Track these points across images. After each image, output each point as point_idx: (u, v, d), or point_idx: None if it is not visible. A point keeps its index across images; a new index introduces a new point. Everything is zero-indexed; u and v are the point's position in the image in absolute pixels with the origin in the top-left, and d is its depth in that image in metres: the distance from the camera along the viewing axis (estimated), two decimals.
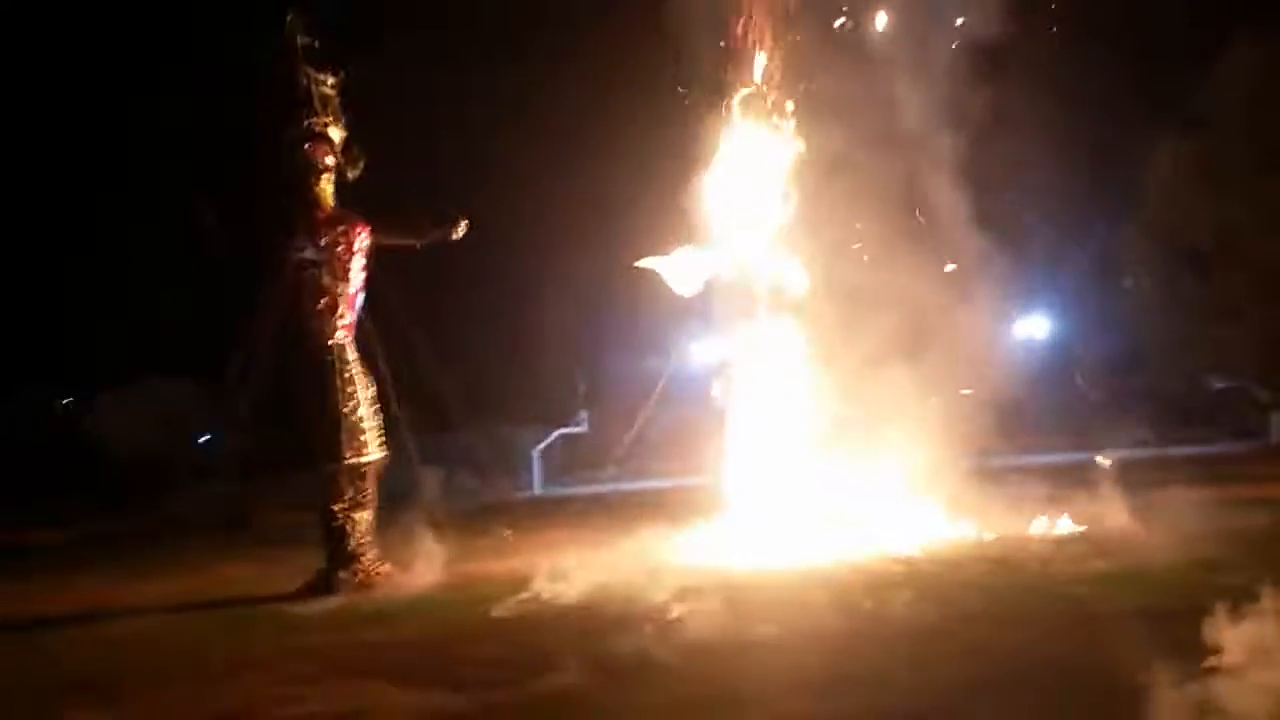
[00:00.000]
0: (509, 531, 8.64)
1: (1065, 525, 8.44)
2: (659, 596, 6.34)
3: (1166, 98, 17.52)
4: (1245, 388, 21.32)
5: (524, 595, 6.90)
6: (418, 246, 8.92)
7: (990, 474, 9.25)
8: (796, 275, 9.77)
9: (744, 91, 9.68)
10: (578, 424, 18.52)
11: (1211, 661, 3.86)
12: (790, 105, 9.69)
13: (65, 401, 20.54)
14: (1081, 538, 7.99)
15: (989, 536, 8.30)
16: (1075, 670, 4.35)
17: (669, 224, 9.92)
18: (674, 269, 9.86)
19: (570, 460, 18.05)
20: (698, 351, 13.41)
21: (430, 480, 9.69)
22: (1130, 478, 8.79)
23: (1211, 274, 18.41)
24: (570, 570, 7.34)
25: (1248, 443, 18.94)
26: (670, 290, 9.94)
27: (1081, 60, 9.58)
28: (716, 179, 9.68)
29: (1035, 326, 18.50)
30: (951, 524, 8.67)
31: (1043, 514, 8.60)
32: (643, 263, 9.92)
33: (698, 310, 10.58)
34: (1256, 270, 17.88)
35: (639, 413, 13.22)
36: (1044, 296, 18.87)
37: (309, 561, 8.41)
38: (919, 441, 8.75)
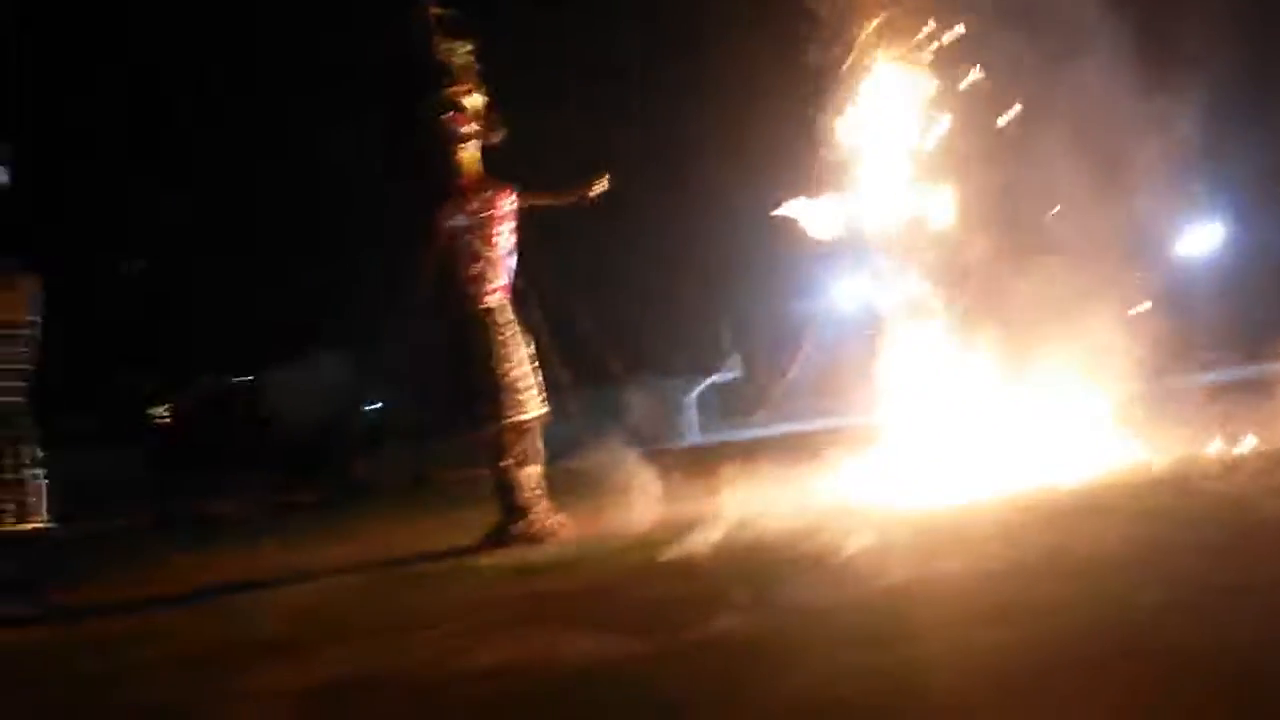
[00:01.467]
0: (676, 479, 8.78)
1: (1245, 442, 8.07)
2: (825, 536, 6.35)
3: None
4: None
5: (690, 540, 7.00)
6: (565, 205, 9.07)
7: (1164, 395, 8.90)
8: (942, 207, 9.53)
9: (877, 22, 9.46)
10: (729, 371, 18.58)
11: None
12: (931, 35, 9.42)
13: (242, 381, 21.65)
14: (1262, 454, 7.63)
15: (1165, 460, 8.00)
16: (1267, 591, 4.18)
17: (808, 165, 9.79)
18: (812, 213, 9.76)
19: (724, 407, 18.15)
20: (846, 293, 13.25)
21: (591, 434, 9.93)
22: None
23: None
24: (733, 514, 7.43)
25: None
26: (809, 233, 9.84)
27: None
28: (854, 115, 9.49)
29: (1202, 238, 17.63)
30: (1124, 450, 8.40)
31: (1220, 433, 8.26)
32: (781, 210, 9.84)
33: (843, 251, 10.44)
34: None
35: (789, 357, 13.18)
36: (1216, 202, 17.91)
37: (482, 518, 8.74)
38: (1085, 366, 8.48)
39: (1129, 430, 8.56)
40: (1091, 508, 6.59)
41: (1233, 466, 7.20)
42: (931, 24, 9.45)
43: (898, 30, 9.52)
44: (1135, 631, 3.89)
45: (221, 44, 19.47)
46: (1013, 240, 9.02)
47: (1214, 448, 8.10)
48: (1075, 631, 4.01)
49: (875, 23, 9.49)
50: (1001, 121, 9.24)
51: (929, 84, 9.57)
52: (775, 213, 10.04)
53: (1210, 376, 12.56)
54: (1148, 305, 8.57)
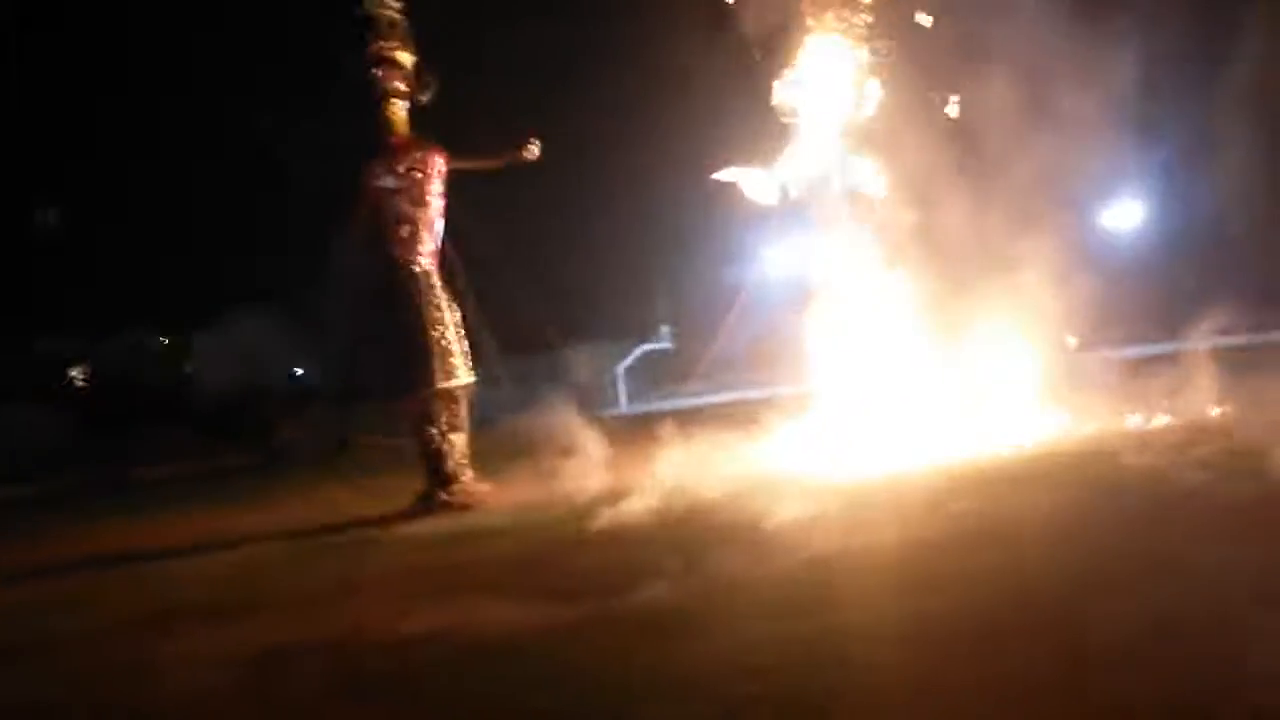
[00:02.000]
0: (603, 448, 8.73)
1: (1162, 417, 8.25)
2: (754, 506, 6.36)
3: None
4: None
5: (618, 510, 6.98)
6: (496, 169, 8.93)
7: (1085, 368, 9.05)
8: (876, 177, 9.57)
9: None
10: (661, 340, 18.59)
11: None
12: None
13: (163, 340, 21.19)
14: (1179, 429, 7.80)
15: (1090, 431, 8.15)
16: (1184, 563, 4.26)
17: (746, 132, 9.77)
18: (752, 178, 9.75)
19: (656, 376, 18.15)
20: (778, 260, 13.26)
21: (520, 402, 9.84)
22: (1228, 368, 8.54)
23: None
24: (662, 483, 7.41)
25: None
26: (749, 200, 9.83)
27: None
28: (793, 83, 9.49)
29: (1129, 213, 17.95)
30: (1051, 420, 8.53)
31: (1140, 407, 8.42)
32: (721, 174, 9.82)
33: (778, 218, 10.45)
34: None
35: (722, 325, 13.18)
36: (1136, 182, 18.25)
37: (407, 485, 8.63)
38: (1009, 338, 8.59)
39: (1055, 400, 8.69)
40: (1018, 477, 6.68)
41: (1154, 439, 7.34)
42: None
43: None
44: (1056, 603, 3.94)
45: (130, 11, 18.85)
46: (944, 211, 9.09)
47: (1136, 420, 8.26)
48: (998, 601, 4.05)
49: None
50: (951, 110, 9.32)
51: (863, 53, 9.60)
52: (715, 176, 10.03)
53: (1133, 350, 12.80)
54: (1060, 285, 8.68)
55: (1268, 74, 17.27)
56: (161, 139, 19.43)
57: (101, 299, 19.73)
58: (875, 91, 9.49)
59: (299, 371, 18.46)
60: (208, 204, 19.18)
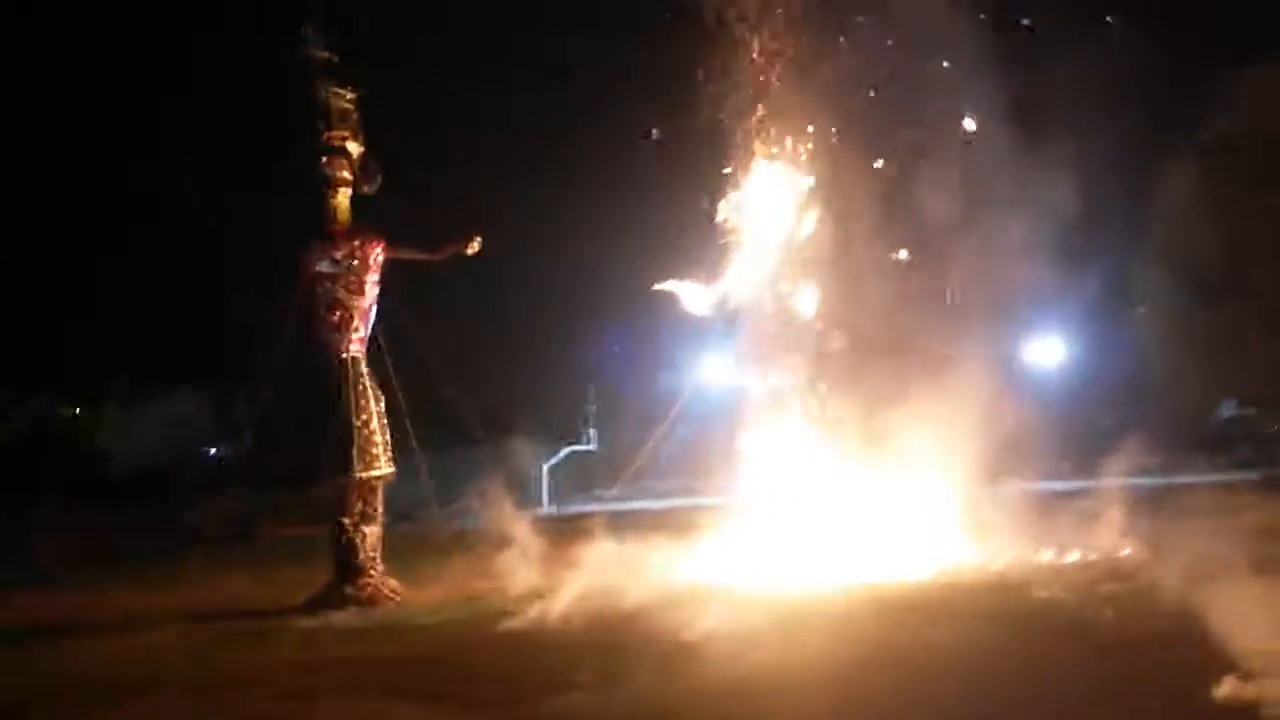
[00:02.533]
0: (520, 549, 8.63)
1: (1073, 553, 8.40)
2: (670, 618, 6.31)
3: (1179, 123, 17.53)
4: (1255, 416, 21.24)
5: (532, 613, 6.88)
6: (433, 261, 8.97)
7: (1002, 500, 9.20)
8: (810, 300, 9.82)
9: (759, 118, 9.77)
10: (587, 441, 18.52)
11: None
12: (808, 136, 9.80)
13: (74, 412, 20.57)
14: (1089, 565, 7.94)
15: (999, 563, 8.25)
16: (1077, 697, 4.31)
17: (686, 246, 9.99)
18: (691, 291, 9.97)
19: (580, 478, 18.03)
20: (711, 372, 13.40)
21: (440, 497, 9.70)
22: (1139, 506, 8.75)
23: (1221, 301, 18.38)
24: (578, 588, 7.32)
25: (1256, 472, 18.84)
26: (686, 311, 10.01)
27: (1092, 84, 9.62)
28: (735, 204, 9.79)
29: (1047, 351, 18.44)
30: (962, 550, 8.62)
31: (1052, 541, 8.57)
32: (661, 285, 10.02)
33: (712, 331, 10.62)
34: (1265, 299, 17.85)
35: (650, 432, 13.22)
36: (1055, 322, 18.83)
37: (316, 575, 8.41)
38: (931, 467, 8.73)
39: (972, 530, 8.80)
40: (931, 605, 6.71)
41: (1063, 574, 7.45)
42: (810, 128, 9.85)
43: (778, 128, 9.87)
44: None
45: (79, 65, 18.75)
46: (871, 337, 9.32)
47: (1048, 555, 8.40)
48: None
49: (756, 118, 9.83)
50: (902, 256, 9.64)
51: (804, 181, 9.93)
52: (656, 287, 10.21)
53: (1050, 484, 13.04)
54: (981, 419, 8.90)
55: (1185, 228, 18.11)
56: (102, 208, 19.14)
57: (6, 364, 19.13)
58: (813, 218, 9.80)
59: (215, 451, 18.02)
60: (129, 275, 18.79)
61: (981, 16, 9.50)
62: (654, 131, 10.14)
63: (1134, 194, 17.34)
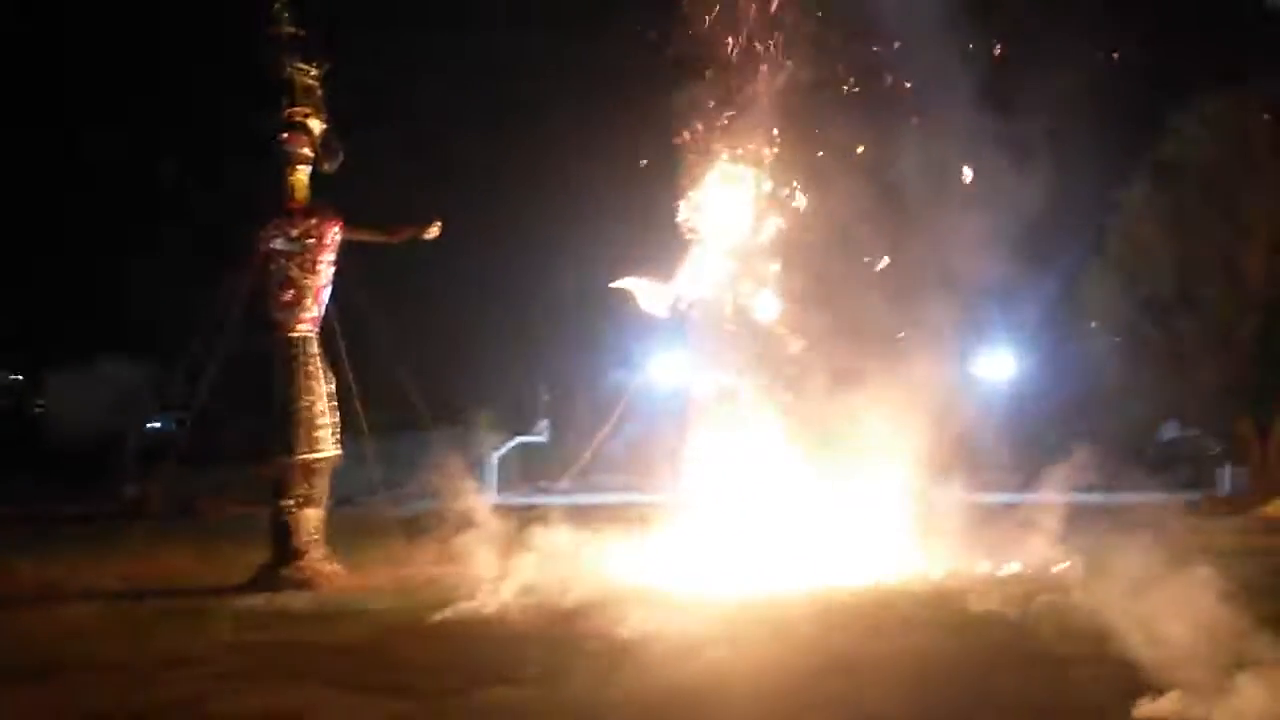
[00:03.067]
0: (464, 538, 8.56)
1: (1010, 566, 8.51)
2: (608, 615, 6.30)
3: (1133, 144, 17.82)
4: (1197, 437, 21.63)
5: (471, 602, 6.83)
6: (390, 244, 8.89)
7: (947, 509, 9.28)
8: (767, 303, 9.85)
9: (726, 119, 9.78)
10: (538, 433, 18.47)
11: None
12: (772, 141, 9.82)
13: (13, 379, 20.19)
14: (1027, 578, 8.04)
15: (941, 572, 8.33)
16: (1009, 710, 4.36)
17: (644, 242, 9.98)
18: (647, 289, 9.94)
19: (528, 469, 17.98)
20: (664, 370, 13.40)
21: (384, 481, 9.62)
22: (1079, 521, 8.86)
23: (1170, 320, 18.71)
24: (520, 581, 7.29)
25: (1197, 493, 19.19)
26: (642, 309, 10.00)
27: (1046, 105, 9.76)
28: (695, 204, 9.78)
29: (997, 366, 18.68)
30: (906, 557, 8.69)
31: (993, 552, 8.66)
32: (618, 283, 9.99)
33: (667, 329, 10.62)
34: (1211, 320, 18.19)
35: (600, 426, 13.20)
36: (1005, 337, 19.07)
37: (254, 556, 8.31)
38: (876, 474, 8.79)
39: (916, 538, 8.87)
40: (870, 612, 6.76)
41: (1000, 587, 7.54)
42: (775, 132, 9.88)
43: (739, 130, 9.88)
44: None
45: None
46: (827, 346, 9.37)
47: (987, 566, 8.49)
48: None
49: (721, 120, 9.84)
50: (870, 263, 9.70)
51: (764, 184, 9.95)
52: (613, 285, 10.19)
53: (993, 496, 13.20)
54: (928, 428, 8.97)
55: (1137, 246, 18.38)
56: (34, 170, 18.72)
57: None
58: (773, 222, 9.83)
59: (158, 424, 17.73)
60: (76, 233, 18.38)
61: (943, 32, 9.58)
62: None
63: (1088, 211, 17.62)
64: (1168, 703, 4.10)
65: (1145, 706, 4.11)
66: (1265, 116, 17.75)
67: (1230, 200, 18.30)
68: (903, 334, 9.17)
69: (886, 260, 9.66)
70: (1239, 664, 4.21)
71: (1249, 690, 4.01)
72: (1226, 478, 21.58)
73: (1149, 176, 19.29)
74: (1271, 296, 18.42)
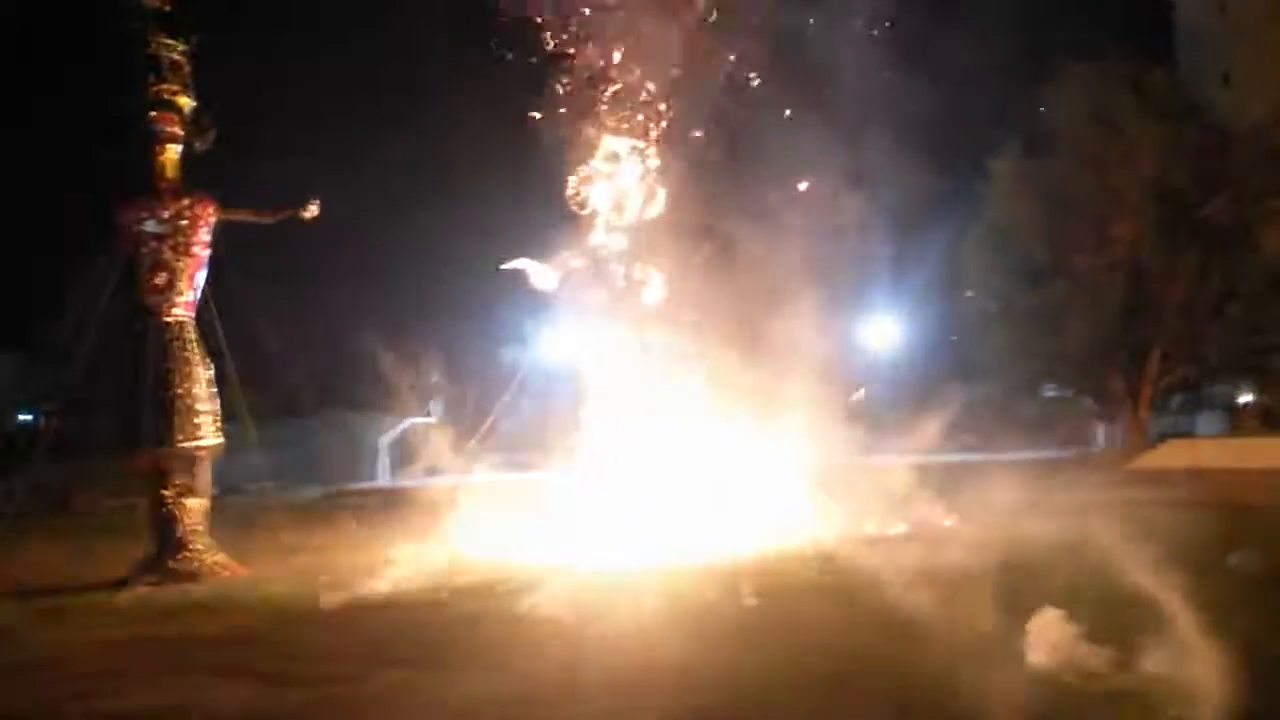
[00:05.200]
0: (355, 523, 8.44)
1: (896, 527, 8.74)
2: (498, 594, 6.29)
3: (1008, 116, 18.35)
4: (1072, 397, 22.52)
5: (362, 588, 6.73)
6: (269, 224, 8.67)
7: (834, 474, 9.47)
8: (655, 278, 9.90)
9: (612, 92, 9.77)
10: (428, 415, 18.28)
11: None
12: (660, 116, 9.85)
13: None
14: (908, 539, 8.28)
15: (828, 536, 8.50)
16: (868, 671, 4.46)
17: (535, 221, 9.95)
18: (538, 268, 9.93)
19: (420, 451, 17.77)
20: (556, 347, 13.38)
21: (272, 469, 9.42)
22: (961, 482, 9.14)
23: (1044, 286, 19.40)
24: (410, 562, 7.22)
25: (1074, 450, 19.98)
26: (534, 287, 9.99)
27: (927, 81, 10.00)
28: (586, 179, 9.78)
29: (881, 333, 19.16)
30: (793, 524, 8.85)
31: (877, 515, 8.89)
32: (509, 264, 9.96)
33: (558, 306, 10.60)
34: (1082, 285, 18.91)
35: (493, 405, 13.11)
36: (889, 304, 19.54)
37: (135, 549, 8.06)
38: (766, 442, 8.93)
39: (806, 504, 9.04)
40: (756, 579, 6.83)
41: (888, 548, 7.73)
42: (663, 107, 9.90)
43: (628, 107, 9.89)
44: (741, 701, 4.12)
45: None
46: (716, 318, 9.47)
47: (872, 528, 8.71)
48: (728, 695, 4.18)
49: (608, 93, 9.82)
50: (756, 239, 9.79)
51: (652, 160, 9.99)
52: (504, 266, 10.12)
53: (880, 460, 13.52)
54: (860, 393, 9.17)
55: (1012, 216, 18.96)
56: None
57: None
58: (661, 196, 9.87)
59: (28, 418, 17.02)
60: None
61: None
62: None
63: (965, 182, 18.11)
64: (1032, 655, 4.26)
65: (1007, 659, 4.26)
66: (1120, 88, 18.50)
67: (1098, 169, 19.04)
68: (790, 305, 9.31)
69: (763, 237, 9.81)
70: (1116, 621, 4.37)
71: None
72: (1100, 435, 22.55)
73: (1021, 147, 19.95)
74: (1138, 262, 19.26)
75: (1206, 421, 22.81)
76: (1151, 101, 18.89)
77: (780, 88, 9.71)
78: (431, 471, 16.37)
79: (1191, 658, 3.88)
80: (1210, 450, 16.85)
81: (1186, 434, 21.38)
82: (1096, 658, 4.16)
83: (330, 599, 6.51)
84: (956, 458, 9.88)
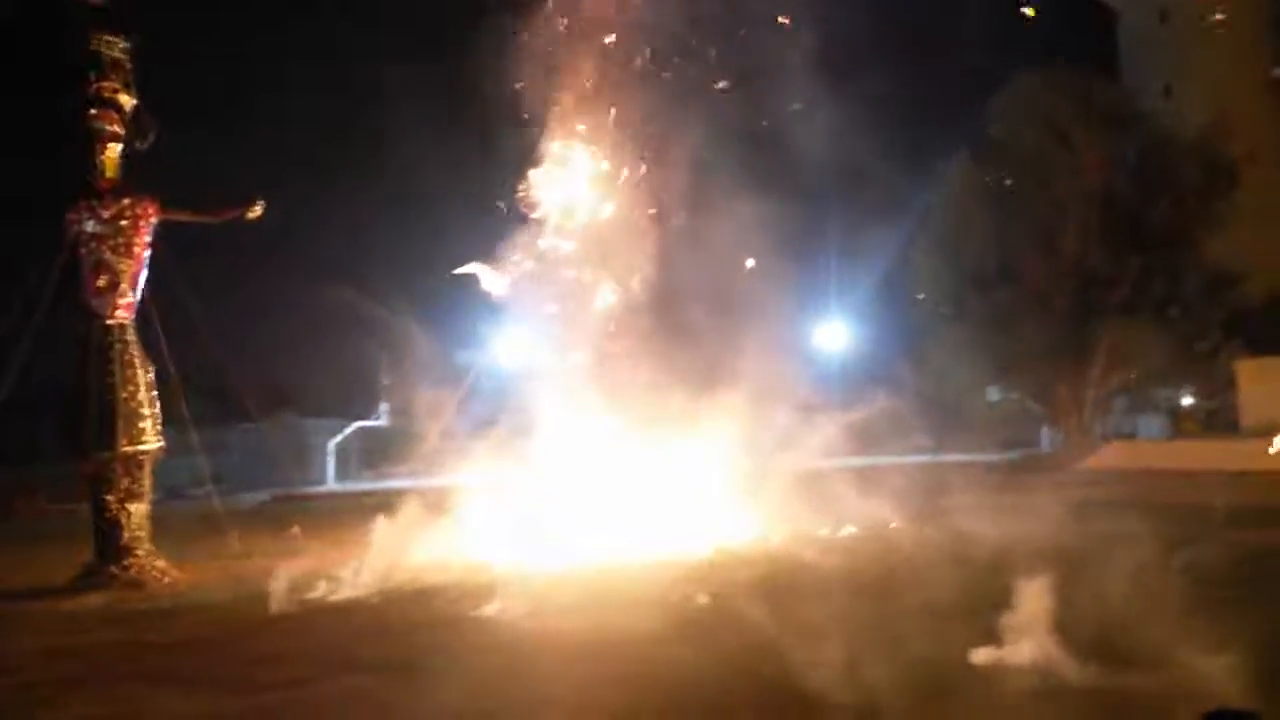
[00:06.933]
0: (296, 528, 8.32)
1: (846, 528, 8.81)
2: (450, 596, 6.24)
3: (958, 123, 18.58)
4: (1019, 400, 22.81)
5: (309, 593, 6.65)
6: (212, 224, 8.54)
7: (785, 476, 9.52)
8: (608, 282, 9.91)
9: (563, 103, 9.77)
10: (377, 417, 18.12)
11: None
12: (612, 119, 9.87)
13: None
14: (858, 539, 8.34)
15: (776, 538, 8.55)
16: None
17: (485, 223, 9.92)
18: (489, 272, 9.92)
19: (369, 454, 17.63)
20: (507, 350, 13.32)
21: (216, 473, 9.26)
22: (908, 483, 9.22)
23: (993, 290, 19.65)
24: (358, 567, 7.14)
25: (1020, 452, 20.25)
26: (485, 290, 9.97)
27: (875, 88, 10.11)
28: (537, 184, 9.78)
29: (832, 336, 19.29)
30: (747, 523, 8.89)
31: (828, 515, 8.95)
32: (462, 269, 9.93)
33: (509, 309, 10.57)
34: (1030, 291, 19.18)
35: (443, 408, 13.02)
36: (840, 309, 19.68)
37: (78, 555, 7.90)
38: (722, 446, 8.95)
39: (756, 505, 9.08)
40: (708, 578, 6.86)
41: (834, 546, 7.79)
42: (612, 111, 9.91)
43: (582, 113, 9.88)
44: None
45: None
46: (670, 321, 9.49)
47: (823, 529, 8.77)
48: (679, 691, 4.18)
49: (562, 102, 9.80)
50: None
51: (603, 165, 10.00)
52: (456, 271, 10.09)
53: (830, 462, 13.62)
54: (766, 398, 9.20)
55: (961, 221, 19.17)
56: None
57: None
58: (611, 203, 9.90)
59: None
60: None
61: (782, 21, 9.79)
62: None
63: (915, 188, 18.30)
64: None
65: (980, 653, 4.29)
66: (1066, 97, 18.81)
67: (1045, 177, 19.33)
68: (740, 308, 9.36)
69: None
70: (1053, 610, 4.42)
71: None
72: (1045, 437, 22.88)
73: (970, 154, 20.23)
74: (1084, 269, 19.57)
75: (1147, 424, 23.22)
76: (1096, 110, 19.22)
77: (734, 94, 9.76)
78: (381, 474, 16.25)
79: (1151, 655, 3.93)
80: (1152, 452, 17.17)
81: (1129, 436, 21.75)
82: (1055, 659, 4.20)
83: (277, 604, 6.41)
84: (908, 459, 9.95)
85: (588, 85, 9.77)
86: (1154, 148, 19.45)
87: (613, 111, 9.92)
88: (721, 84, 9.63)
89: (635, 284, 9.89)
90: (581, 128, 9.90)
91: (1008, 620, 4.38)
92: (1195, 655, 3.83)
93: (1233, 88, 25.84)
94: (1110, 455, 16.91)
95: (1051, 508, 8.78)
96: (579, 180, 9.96)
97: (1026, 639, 4.26)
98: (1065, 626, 4.28)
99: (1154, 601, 4.32)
